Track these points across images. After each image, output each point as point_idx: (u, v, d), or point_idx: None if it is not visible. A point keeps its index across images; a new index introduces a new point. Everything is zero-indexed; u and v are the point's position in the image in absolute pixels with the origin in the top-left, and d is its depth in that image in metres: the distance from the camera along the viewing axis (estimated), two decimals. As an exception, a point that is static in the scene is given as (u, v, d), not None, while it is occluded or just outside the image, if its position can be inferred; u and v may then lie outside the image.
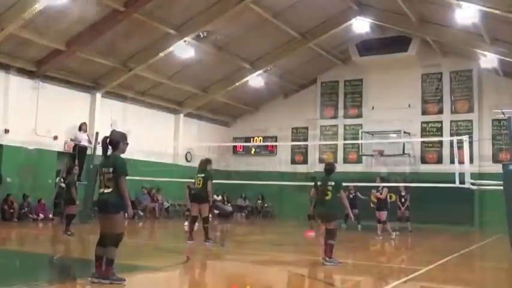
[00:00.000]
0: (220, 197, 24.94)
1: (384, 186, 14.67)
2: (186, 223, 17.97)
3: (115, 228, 6.49)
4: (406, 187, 17.27)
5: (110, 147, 6.71)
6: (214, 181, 12.28)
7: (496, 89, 21.93)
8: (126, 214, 6.60)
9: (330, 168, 9.45)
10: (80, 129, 17.28)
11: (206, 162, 12.20)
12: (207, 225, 11.79)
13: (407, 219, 17.23)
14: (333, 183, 9.11)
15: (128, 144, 6.83)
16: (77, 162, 16.57)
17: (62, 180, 14.17)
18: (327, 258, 8.89)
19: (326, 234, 9.11)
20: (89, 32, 16.89)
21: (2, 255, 9.83)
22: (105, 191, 6.53)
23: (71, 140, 16.99)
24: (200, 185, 11.80)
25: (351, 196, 16.06)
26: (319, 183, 9.27)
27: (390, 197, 21.92)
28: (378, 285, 7.81)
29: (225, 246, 11.91)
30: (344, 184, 9.61)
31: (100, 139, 17.55)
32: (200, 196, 11.82)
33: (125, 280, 6.44)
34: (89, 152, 18.04)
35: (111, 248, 6.43)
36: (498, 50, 18.53)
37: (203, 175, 11.84)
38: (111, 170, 6.53)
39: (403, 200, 17.29)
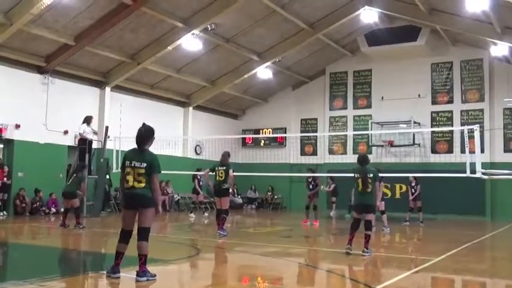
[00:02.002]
0: (230, 189, 25.07)
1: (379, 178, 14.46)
2: (193, 214, 18.38)
3: (148, 222, 6.51)
4: (415, 177, 17.18)
5: (146, 140, 6.65)
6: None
7: (507, 77, 21.74)
8: (156, 211, 6.63)
9: (364, 159, 9.55)
10: (88, 123, 17.25)
11: (228, 155, 12.24)
12: (225, 217, 11.94)
13: (419, 210, 17.16)
14: (371, 175, 9.25)
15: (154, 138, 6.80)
16: (87, 156, 16.68)
17: (73, 174, 14.26)
18: (365, 249, 9.09)
19: (365, 225, 9.26)
20: (97, 27, 16.92)
21: (15, 249, 9.94)
22: (137, 185, 6.47)
23: (80, 134, 17.03)
24: (222, 178, 11.88)
25: None
26: (356, 175, 9.34)
27: (401, 187, 22.04)
28: (389, 275, 7.80)
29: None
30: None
31: (111, 133, 17.64)
32: (221, 189, 11.93)
33: (156, 275, 6.48)
34: (95, 145, 18.16)
35: (144, 243, 6.43)
36: (509, 39, 18.34)
37: (224, 168, 11.93)
38: (144, 165, 6.46)
39: (413, 190, 17.22)
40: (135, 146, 6.74)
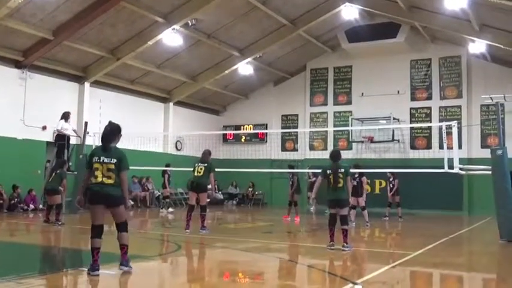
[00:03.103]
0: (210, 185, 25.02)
1: (359, 173, 14.53)
2: (163, 210, 18.45)
3: (123, 217, 6.67)
4: (393, 173, 17.34)
5: (112, 137, 6.70)
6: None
7: (484, 74, 22.07)
8: (125, 206, 6.72)
9: (336, 155, 9.57)
10: (66, 119, 17.01)
11: (209, 153, 12.17)
12: (205, 214, 11.84)
13: (398, 205, 17.34)
14: (342, 170, 9.33)
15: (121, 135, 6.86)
16: (66, 152, 16.50)
17: (54, 171, 14.09)
18: (345, 244, 9.15)
19: (340, 220, 9.37)
20: (76, 21, 16.71)
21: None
22: (106, 181, 6.49)
23: (58, 130, 16.78)
24: (201, 174, 11.76)
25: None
26: (328, 171, 9.39)
27: (380, 183, 22.25)
28: (369, 269, 7.89)
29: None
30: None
31: (90, 129, 17.48)
32: (200, 185, 11.81)
33: (132, 268, 6.65)
34: (74, 141, 17.99)
35: (125, 233, 6.62)
36: (486, 36, 18.61)
37: (205, 165, 11.83)
38: (113, 161, 6.52)
39: (391, 185, 17.39)
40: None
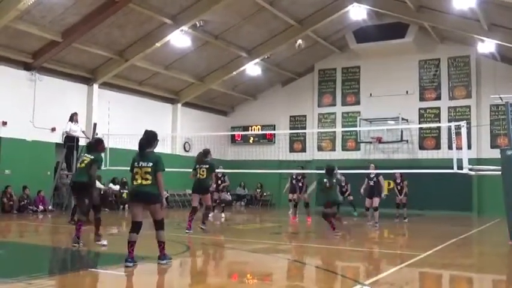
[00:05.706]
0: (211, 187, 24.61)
1: (377, 173, 14.54)
2: (223, 214, 17.46)
3: (160, 215, 7.39)
4: (401, 174, 17.26)
5: (148, 144, 7.48)
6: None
7: (493, 74, 21.93)
8: (161, 204, 7.39)
9: (332, 169, 11.82)
10: (72, 120, 17.05)
11: (206, 153, 12.10)
12: (208, 212, 12.22)
13: (404, 206, 17.26)
14: (335, 180, 11.82)
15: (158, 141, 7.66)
16: (75, 153, 16.52)
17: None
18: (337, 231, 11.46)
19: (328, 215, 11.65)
20: (84, 23, 16.81)
21: (2, 247, 9.85)
22: (144, 182, 7.25)
23: (66, 132, 16.83)
24: (204, 176, 11.69)
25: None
26: (325, 180, 11.62)
27: (389, 184, 22.14)
28: (378, 270, 7.86)
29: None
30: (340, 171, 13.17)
31: (99, 130, 17.55)
32: (202, 187, 11.75)
33: (171, 258, 7.41)
34: (83, 143, 18.01)
35: (161, 231, 7.34)
36: (495, 35, 18.50)
37: (207, 166, 11.76)
38: (150, 164, 7.29)
39: (399, 187, 17.31)
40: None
